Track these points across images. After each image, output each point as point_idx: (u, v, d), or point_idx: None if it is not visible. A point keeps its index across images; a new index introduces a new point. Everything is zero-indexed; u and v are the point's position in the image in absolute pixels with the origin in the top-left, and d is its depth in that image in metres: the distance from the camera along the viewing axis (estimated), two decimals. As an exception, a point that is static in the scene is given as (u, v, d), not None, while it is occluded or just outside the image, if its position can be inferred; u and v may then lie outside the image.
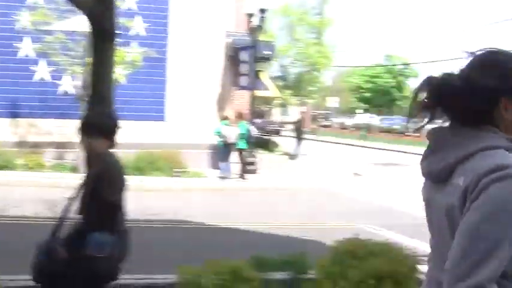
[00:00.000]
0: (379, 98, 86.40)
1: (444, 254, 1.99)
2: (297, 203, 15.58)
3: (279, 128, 44.83)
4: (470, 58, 2.09)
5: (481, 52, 2.08)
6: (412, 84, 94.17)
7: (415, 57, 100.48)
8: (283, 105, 50.73)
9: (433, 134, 2.15)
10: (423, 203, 2.25)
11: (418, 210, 11.71)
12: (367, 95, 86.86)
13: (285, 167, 23.30)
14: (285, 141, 31.66)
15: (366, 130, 52.87)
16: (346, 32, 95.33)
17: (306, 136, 30.98)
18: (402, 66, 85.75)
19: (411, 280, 5.62)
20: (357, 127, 58.48)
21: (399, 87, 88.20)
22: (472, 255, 1.86)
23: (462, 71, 2.08)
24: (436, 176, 2.09)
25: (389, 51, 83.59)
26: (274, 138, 32.56)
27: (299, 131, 28.70)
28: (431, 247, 2.25)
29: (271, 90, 30.54)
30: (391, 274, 5.42)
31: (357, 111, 78.20)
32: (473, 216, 1.88)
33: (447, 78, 2.05)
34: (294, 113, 49.21)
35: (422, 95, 2.08)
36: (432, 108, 2.07)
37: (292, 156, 27.34)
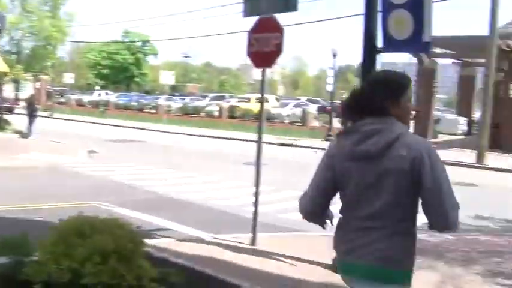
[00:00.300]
0: (117, 74, 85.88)
1: (377, 204, 3.20)
2: (28, 183, 14.91)
3: (11, 106, 42.51)
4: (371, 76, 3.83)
5: (378, 71, 3.84)
6: (152, 61, 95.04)
7: (155, 34, 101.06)
8: (16, 81, 48.21)
9: (358, 128, 3.27)
10: (337, 172, 3.31)
11: (152, 186, 11.81)
12: (105, 71, 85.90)
13: (17, 145, 22.21)
14: (18, 119, 30.18)
15: (104, 107, 52.25)
16: (84, 6, 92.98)
17: (40, 113, 29.80)
18: (141, 43, 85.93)
19: (137, 254, 5.64)
20: (94, 104, 57.57)
21: (138, 64, 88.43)
22: (452, 190, 3.18)
23: (368, 83, 3.47)
24: (374, 154, 3.19)
25: (128, 27, 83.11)
26: (6, 116, 30.84)
27: (32, 108, 27.49)
28: (355, 201, 3.28)
29: (1, 65, 28.81)
30: (117, 250, 5.39)
31: (95, 88, 76.95)
32: (441, 173, 3.15)
33: (361, 92, 3.42)
34: (28, 89, 47.06)
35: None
36: (357, 110, 3.31)
37: (25, 135, 26.16)
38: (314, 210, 3.48)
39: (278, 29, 8.44)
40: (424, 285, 7.08)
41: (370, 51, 7.46)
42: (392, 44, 7.32)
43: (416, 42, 7.14)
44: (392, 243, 3.20)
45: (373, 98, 3.28)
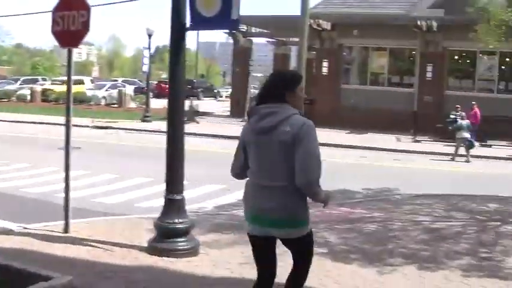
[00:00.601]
0: None
1: (271, 168, 4.28)
2: None
3: None
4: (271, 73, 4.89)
5: (279, 71, 5.70)
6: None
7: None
8: None
9: (258, 110, 4.38)
10: (245, 144, 4.45)
11: None
12: None
13: None
14: None
15: None
16: None
17: None
18: None
19: None
20: None
21: None
22: (318, 158, 4.22)
23: (271, 79, 4.54)
24: (267, 129, 4.27)
25: None
26: None
27: None
28: (257, 166, 4.37)
29: None
30: None
31: None
32: (309, 144, 4.20)
33: (267, 85, 4.50)
34: None
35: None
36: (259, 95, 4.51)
37: None
38: (237, 172, 4.60)
39: (84, 6, 8.09)
40: (243, 259, 7.14)
41: (178, 29, 7.35)
42: (200, 22, 7.27)
43: (225, 19, 7.14)
44: (290, 198, 4.25)
45: (274, 89, 4.40)
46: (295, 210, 4.31)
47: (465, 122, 21.89)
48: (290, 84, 4.44)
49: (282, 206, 4.25)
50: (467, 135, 21.32)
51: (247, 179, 4.52)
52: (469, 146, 21.31)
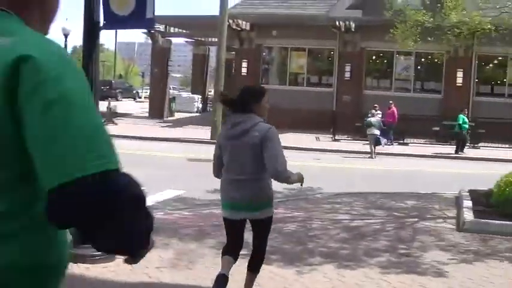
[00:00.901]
0: None
1: (242, 165, 5.26)
2: None
3: None
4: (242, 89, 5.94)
5: (247, 86, 6.11)
6: None
7: None
8: None
9: (230, 117, 5.48)
10: (221, 146, 5.46)
11: None
12: None
13: None
14: None
15: None
16: None
17: None
18: None
19: None
20: None
21: None
22: (282, 155, 5.24)
23: (242, 94, 5.57)
24: (238, 135, 5.24)
25: None
26: None
27: None
28: (230, 164, 5.35)
29: None
30: None
31: None
32: (275, 145, 5.20)
33: (238, 98, 5.52)
34: None
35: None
36: (232, 106, 5.52)
37: None
38: (217, 173, 5.61)
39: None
40: (160, 263, 7.01)
41: (91, 28, 7.12)
42: (114, 21, 7.09)
43: (139, 18, 7.01)
44: (257, 187, 5.31)
45: (243, 102, 5.38)
46: (262, 196, 5.37)
47: (374, 119, 22.26)
48: (256, 98, 5.46)
49: (251, 194, 5.28)
50: (376, 131, 21.76)
51: (223, 175, 5.51)
52: (376, 142, 21.77)
